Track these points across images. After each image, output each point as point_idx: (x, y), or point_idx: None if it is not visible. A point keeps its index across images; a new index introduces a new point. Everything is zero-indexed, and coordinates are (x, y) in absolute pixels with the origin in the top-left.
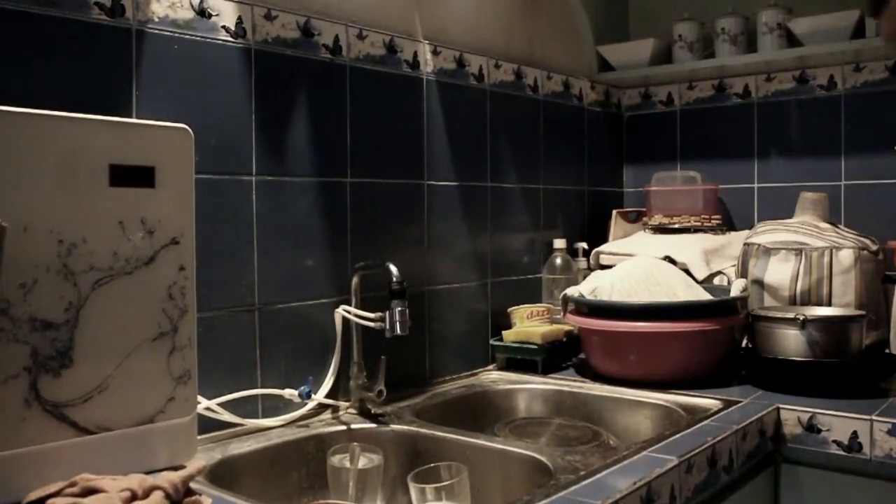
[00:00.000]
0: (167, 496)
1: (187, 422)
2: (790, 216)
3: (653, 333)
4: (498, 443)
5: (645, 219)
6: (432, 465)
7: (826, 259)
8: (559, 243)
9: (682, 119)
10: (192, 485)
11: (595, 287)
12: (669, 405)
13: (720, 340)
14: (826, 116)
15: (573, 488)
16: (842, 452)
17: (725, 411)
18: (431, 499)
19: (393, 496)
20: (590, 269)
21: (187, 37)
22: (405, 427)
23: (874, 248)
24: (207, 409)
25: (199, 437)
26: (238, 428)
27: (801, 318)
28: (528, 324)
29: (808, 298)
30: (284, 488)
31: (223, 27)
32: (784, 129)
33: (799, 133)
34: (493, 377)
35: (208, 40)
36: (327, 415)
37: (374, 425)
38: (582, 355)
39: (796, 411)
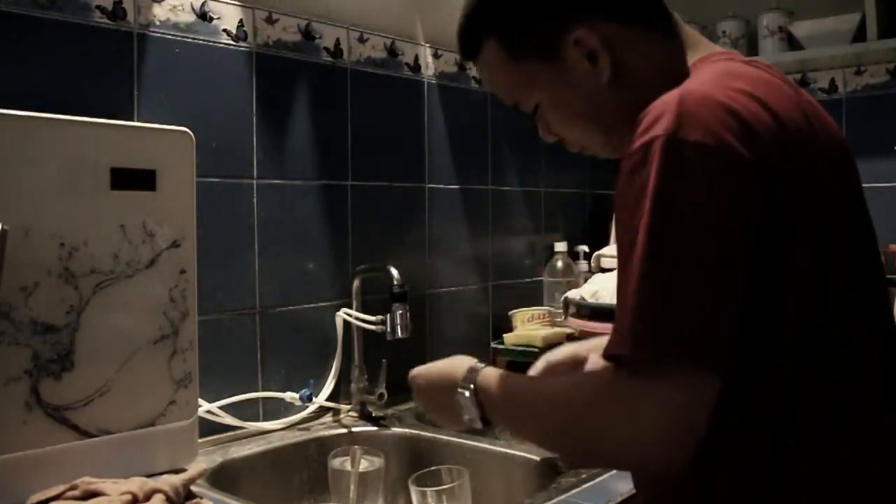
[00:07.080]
0: (168, 499)
1: (188, 425)
2: None
3: None
4: (499, 446)
5: None
6: (433, 468)
7: None
8: (560, 246)
9: None
10: (193, 488)
11: (597, 290)
12: None
13: None
14: None
15: (574, 491)
16: None
17: None
18: (433, 502)
19: (394, 499)
20: (591, 272)
21: (189, 40)
22: (406, 430)
23: None
24: (208, 412)
25: (199, 440)
26: (239, 431)
27: None
28: (529, 327)
29: None
30: (285, 491)
31: (224, 30)
32: None
33: None
34: None
35: (210, 44)
36: (328, 418)
37: (375, 428)
38: None
39: None
